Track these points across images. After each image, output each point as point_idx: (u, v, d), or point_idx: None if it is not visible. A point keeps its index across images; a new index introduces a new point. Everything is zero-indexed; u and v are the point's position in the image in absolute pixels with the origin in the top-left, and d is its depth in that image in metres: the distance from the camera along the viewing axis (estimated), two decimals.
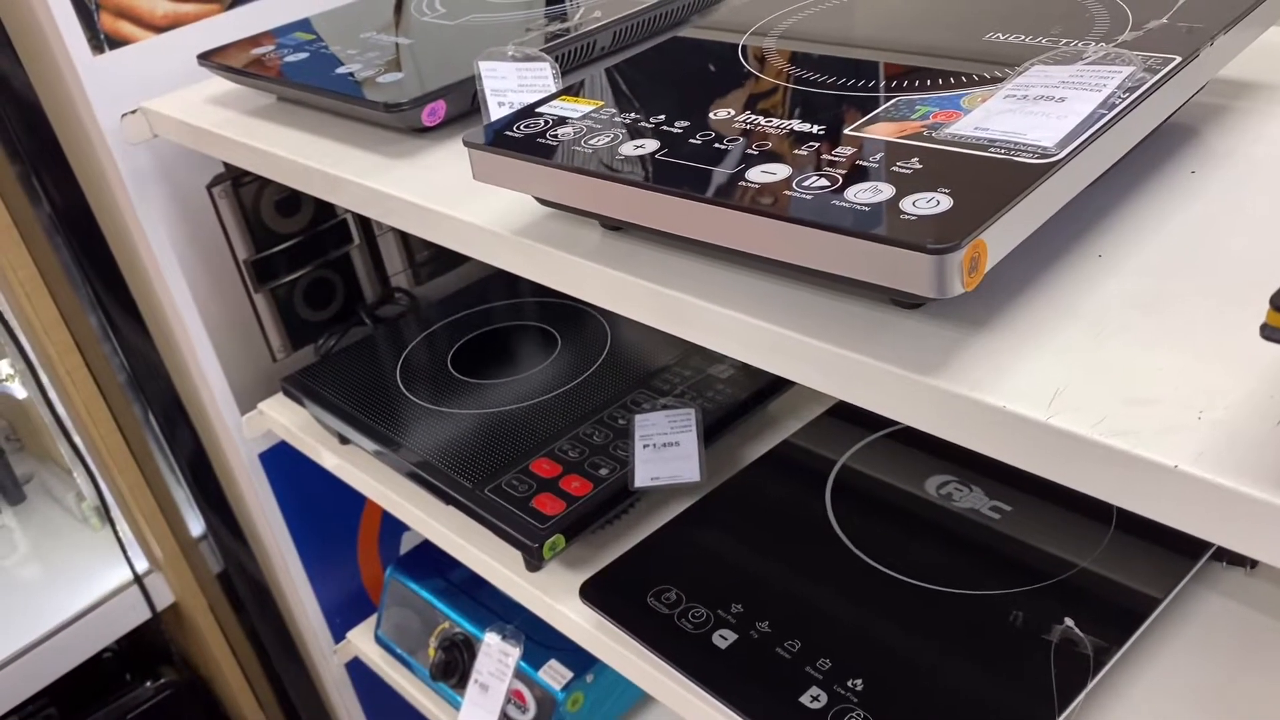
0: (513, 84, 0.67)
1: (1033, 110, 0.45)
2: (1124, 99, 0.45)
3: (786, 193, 0.42)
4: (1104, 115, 0.44)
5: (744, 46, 0.59)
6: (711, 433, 0.81)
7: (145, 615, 1.24)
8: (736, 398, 0.83)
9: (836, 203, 0.41)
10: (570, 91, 0.56)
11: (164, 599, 1.24)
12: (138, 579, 1.22)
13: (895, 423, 0.81)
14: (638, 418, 0.81)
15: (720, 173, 0.45)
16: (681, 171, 0.46)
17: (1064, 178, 0.41)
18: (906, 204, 0.40)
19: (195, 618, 1.25)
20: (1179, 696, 0.61)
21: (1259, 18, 0.53)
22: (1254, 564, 0.68)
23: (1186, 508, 0.34)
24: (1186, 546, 0.66)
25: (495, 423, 0.85)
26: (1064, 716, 0.58)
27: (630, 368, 0.89)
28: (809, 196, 0.42)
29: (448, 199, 0.61)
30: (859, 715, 0.58)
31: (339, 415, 0.90)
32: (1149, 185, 0.51)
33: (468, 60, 0.71)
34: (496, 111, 0.64)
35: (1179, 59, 0.47)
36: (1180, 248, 0.46)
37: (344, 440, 0.94)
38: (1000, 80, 0.49)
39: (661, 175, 0.46)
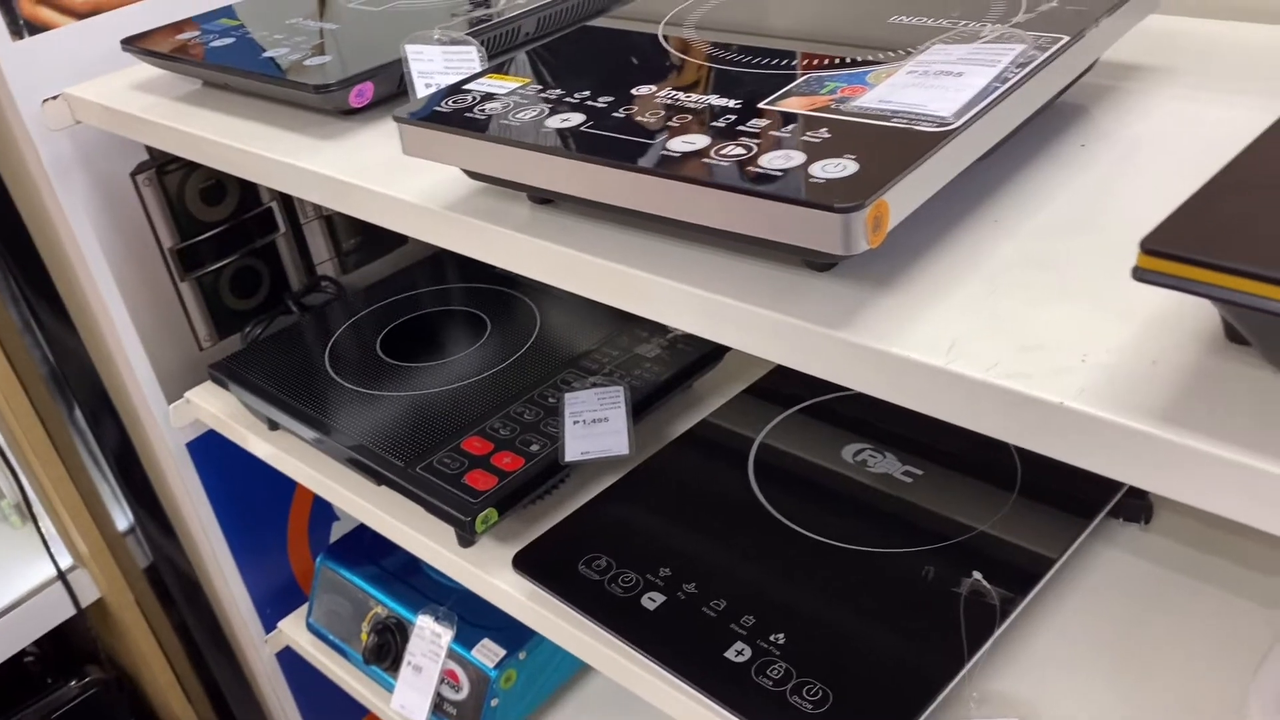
0: (439, 66, 0.68)
1: (933, 84, 0.48)
2: (1016, 73, 0.48)
3: (706, 160, 0.45)
4: (998, 88, 0.47)
5: (663, 32, 0.62)
6: (639, 409, 0.83)
7: (70, 612, 1.22)
8: (663, 375, 0.86)
9: (752, 169, 0.44)
10: (498, 69, 0.58)
11: (89, 595, 1.23)
12: (61, 575, 1.20)
13: (812, 397, 0.85)
14: (567, 395, 0.83)
15: (643, 143, 0.47)
16: (606, 142, 0.48)
17: (961, 144, 0.44)
18: (816, 169, 0.43)
19: (122, 613, 1.24)
20: (1080, 642, 0.65)
21: (1140, 4, 0.57)
22: (1148, 519, 0.72)
23: (1073, 441, 0.38)
24: (1085, 506, 0.70)
25: (426, 404, 0.86)
26: (972, 662, 0.61)
27: (559, 349, 0.91)
28: (727, 163, 0.44)
29: (378, 177, 0.62)
30: (781, 667, 0.61)
31: (268, 400, 0.91)
32: (1043, 157, 0.54)
33: (395, 44, 0.72)
34: (424, 93, 0.66)
35: (1067, 38, 0.51)
36: (1071, 213, 0.49)
37: (273, 425, 0.94)
38: (904, 58, 0.52)
39: (587, 146, 0.48)
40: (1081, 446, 0.38)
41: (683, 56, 0.57)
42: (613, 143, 0.48)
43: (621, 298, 0.51)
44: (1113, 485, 0.71)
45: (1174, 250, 0.33)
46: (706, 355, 0.88)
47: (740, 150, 0.45)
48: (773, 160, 0.44)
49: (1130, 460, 0.37)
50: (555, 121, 0.51)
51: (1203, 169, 0.51)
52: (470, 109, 0.53)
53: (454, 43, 0.70)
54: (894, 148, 0.43)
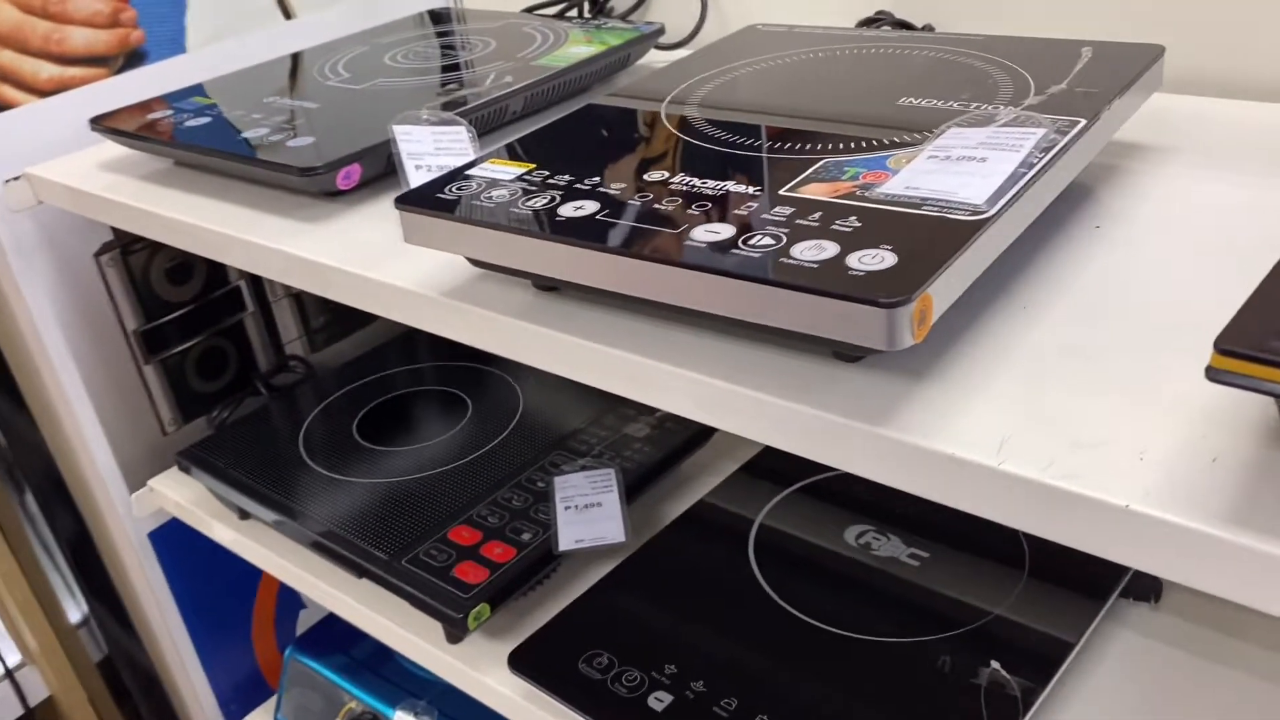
0: (429, 147, 0.66)
1: (958, 170, 0.47)
2: (1041, 158, 0.47)
3: (734, 251, 0.43)
4: (1025, 174, 0.46)
5: (666, 113, 0.60)
6: (632, 491, 0.81)
7: (17, 712, 1.15)
8: (654, 456, 0.83)
9: (784, 260, 0.42)
10: (500, 154, 0.56)
11: (38, 694, 1.16)
12: (9, 673, 1.14)
13: (809, 475, 0.83)
14: (557, 479, 0.80)
15: (667, 233, 0.46)
16: (626, 232, 0.46)
17: (996, 233, 0.43)
18: (853, 260, 0.41)
19: (73, 712, 1.17)
20: None
21: (1145, 83, 0.57)
22: (1158, 598, 0.71)
23: (1141, 546, 0.36)
24: (1095, 587, 0.69)
25: (408, 491, 0.83)
26: None
27: (545, 429, 0.88)
28: (757, 255, 0.43)
29: (368, 262, 0.60)
30: None
31: (241, 489, 0.87)
32: (1060, 240, 0.53)
33: (377, 124, 0.70)
34: (414, 175, 0.64)
35: (1084, 121, 0.51)
36: (1097, 297, 0.48)
37: (244, 515, 0.90)
38: (920, 142, 0.51)
39: (607, 235, 0.46)
40: (1150, 551, 0.36)
41: (691, 140, 0.56)
42: (633, 232, 0.46)
43: (639, 389, 0.49)
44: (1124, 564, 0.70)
45: (1249, 350, 0.32)
46: (696, 434, 0.86)
47: (769, 240, 0.44)
48: (805, 251, 0.42)
49: (1203, 565, 0.35)
50: (568, 209, 0.49)
51: (1213, 249, 0.51)
52: (476, 196, 0.51)
53: (443, 123, 0.69)
54: (931, 237, 0.42)
